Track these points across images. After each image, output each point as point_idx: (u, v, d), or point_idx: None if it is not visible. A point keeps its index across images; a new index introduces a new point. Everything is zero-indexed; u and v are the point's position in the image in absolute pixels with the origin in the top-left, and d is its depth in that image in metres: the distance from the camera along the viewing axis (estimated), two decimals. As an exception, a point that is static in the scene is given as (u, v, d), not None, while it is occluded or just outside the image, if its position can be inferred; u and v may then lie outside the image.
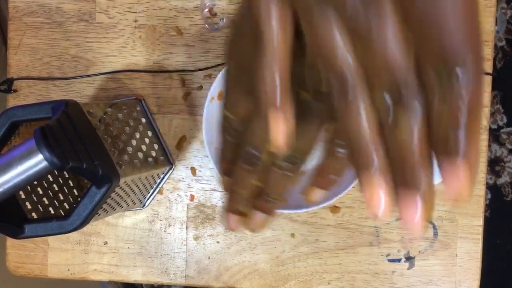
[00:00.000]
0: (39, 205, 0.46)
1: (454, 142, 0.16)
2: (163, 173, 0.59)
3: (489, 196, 1.30)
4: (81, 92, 0.61)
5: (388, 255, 0.58)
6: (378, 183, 0.17)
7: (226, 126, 0.25)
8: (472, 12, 0.14)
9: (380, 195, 0.17)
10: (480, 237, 0.57)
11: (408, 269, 0.58)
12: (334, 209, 0.58)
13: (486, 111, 0.57)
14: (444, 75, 0.15)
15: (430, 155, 0.17)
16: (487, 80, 0.57)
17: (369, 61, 0.16)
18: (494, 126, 1.31)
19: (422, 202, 0.17)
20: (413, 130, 0.16)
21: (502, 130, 1.31)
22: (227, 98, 0.25)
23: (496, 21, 1.25)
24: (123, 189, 0.48)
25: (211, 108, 0.51)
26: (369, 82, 0.16)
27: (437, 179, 0.44)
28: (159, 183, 0.59)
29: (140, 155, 0.51)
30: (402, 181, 0.17)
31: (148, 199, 0.60)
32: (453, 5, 0.14)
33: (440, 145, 0.16)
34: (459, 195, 0.17)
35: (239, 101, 0.24)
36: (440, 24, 0.14)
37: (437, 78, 0.15)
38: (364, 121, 0.17)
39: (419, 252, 0.58)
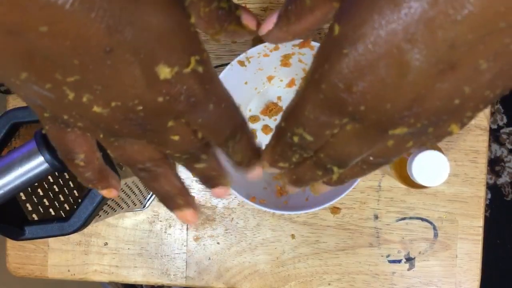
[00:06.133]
0: (39, 207, 0.46)
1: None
2: (163, 174, 0.58)
3: (489, 196, 1.30)
4: (81, 93, 0.61)
5: (388, 256, 0.58)
6: (184, 214, 0.26)
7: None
8: (229, 110, 0.22)
9: (190, 219, 0.26)
10: (480, 238, 0.57)
11: (408, 270, 0.58)
12: (335, 210, 0.58)
13: (486, 111, 0.57)
14: (227, 141, 0.23)
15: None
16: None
17: (166, 152, 0.23)
18: (494, 126, 1.31)
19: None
20: (206, 167, 0.24)
21: (502, 130, 1.30)
22: None
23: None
24: (123, 190, 0.48)
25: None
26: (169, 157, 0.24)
27: (436, 180, 0.44)
28: (160, 184, 0.59)
29: (141, 156, 0.51)
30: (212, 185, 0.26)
31: (148, 200, 0.60)
32: (214, 112, 0.21)
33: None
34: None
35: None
36: (213, 122, 0.21)
37: (224, 144, 0.23)
38: (166, 186, 0.25)
39: (419, 253, 0.58)
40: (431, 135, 0.19)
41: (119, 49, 0.17)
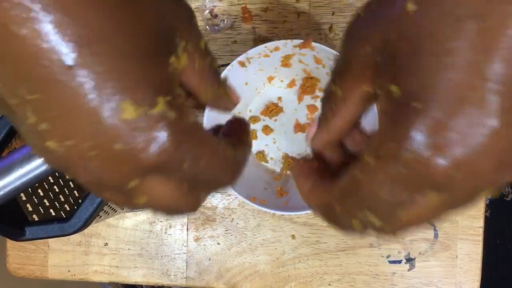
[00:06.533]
0: (40, 207, 0.46)
1: None
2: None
3: (489, 196, 1.30)
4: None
5: (388, 256, 0.58)
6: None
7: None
8: (222, 164, 0.19)
9: None
10: (480, 238, 0.57)
11: (409, 270, 0.58)
12: (335, 210, 0.58)
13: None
14: None
15: None
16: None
17: None
18: (494, 127, 1.31)
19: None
20: None
21: (502, 131, 1.31)
22: None
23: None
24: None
25: (211, 111, 0.50)
26: None
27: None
28: (160, 184, 0.59)
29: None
30: None
31: (148, 200, 0.60)
32: (207, 166, 0.18)
33: None
34: None
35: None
36: (211, 177, 0.19)
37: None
38: None
39: (420, 253, 0.58)
40: None
41: (81, 66, 0.15)
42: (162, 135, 0.16)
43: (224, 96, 0.24)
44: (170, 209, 0.19)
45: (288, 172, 0.58)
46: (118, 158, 0.16)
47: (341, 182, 0.19)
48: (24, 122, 0.16)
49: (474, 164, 0.15)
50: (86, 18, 0.15)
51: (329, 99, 0.22)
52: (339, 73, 0.21)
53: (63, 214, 0.49)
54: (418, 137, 0.15)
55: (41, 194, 0.47)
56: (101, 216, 0.45)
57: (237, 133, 0.23)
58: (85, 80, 0.15)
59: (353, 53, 0.19)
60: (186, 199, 0.19)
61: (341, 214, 0.19)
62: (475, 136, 0.15)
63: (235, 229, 0.60)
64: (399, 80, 0.16)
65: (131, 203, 0.18)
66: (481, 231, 0.57)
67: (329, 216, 0.21)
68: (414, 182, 0.16)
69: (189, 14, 0.20)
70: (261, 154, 0.58)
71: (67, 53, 0.14)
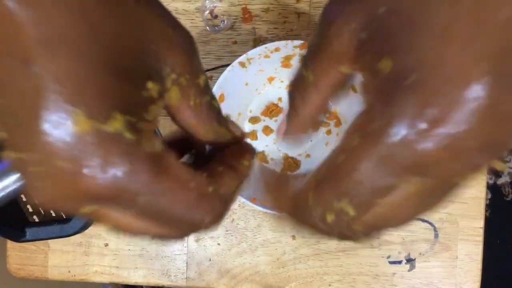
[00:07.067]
0: (40, 208, 0.46)
1: None
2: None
3: (489, 196, 1.30)
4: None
5: (388, 257, 0.58)
6: None
7: None
8: (194, 203, 0.17)
9: None
10: (480, 239, 0.57)
11: (409, 271, 0.58)
12: (335, 211, 0.58)
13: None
14: None
15: None
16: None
17: None
18: (494, 126, 1.31)
19: None
20: None
21: (502, 130, 1.31)
22: None
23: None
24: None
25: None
26: None
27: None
28: (160, 185, 0.59)
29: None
30: None
31: (149, 201, 0.60)
32: (172, 204, 0.16)
33: None
34: None
35: None
36: (180, 217, 0.17)
37: None
38: None
39: (420, 254, 0.58)
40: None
41: (40, 69, 0.13)
42: (114, 161, 0.14)
43: (226, 135, 0.22)
44: (151, 237, 0.18)
45: (288, 172, 0.58)
46: (64, 179, 0.14)
47: (318, 169, 0.18)
48: None
49: (463, 143, 0.14)
50: (54, 17, 0.13)
51: (298, 86, 0.20)
52: (314, 55, 0.19)
53: (64, 215, 0.49)
54: (410, 113, 0.14)
55: (42, 195, 0.47)
56: (101, 217, 0.45)
57: (234, 157, 0.21)
58: (40, 82, 0.13)
59: (335, 31, 0.18)
60: (159, 231, 0.17)
61: (314, 206, 0.18)
62: (466, 115, 0.14)
63: (235, 229, 0.60)
64: (392, 56, 0.15)
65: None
66: (481, 231, 0.57)
67: (299, 211, 0.19)
68: (400, 163, 0.15)
69: (189, 46, 0.18)
70: (262, 155, 0.58)
71: (27, 51, 0.13)
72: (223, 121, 0.21)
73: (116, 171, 0.14)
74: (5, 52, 0.13)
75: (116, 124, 0.14)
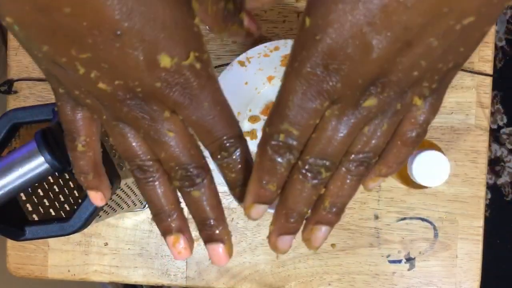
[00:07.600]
0: (39, 207, 0.46)
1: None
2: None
3: (489, 196, 1.30)
4: (82, 93, 0.61)
5: (388, 256, 0.58)
6: (177, 240, 0.27)
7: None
8: (225, 116, 0.23)
9: (181, 250, 0.27)
10: (480, 238, 0.57)
11: (409, 270, 0.58)
12: (335, 210, 0.58)
13: (486, 111, 0.57)
14: (220, 150, 0.23)
15: (221, 214, 0.26)
16: (487, 81, 0.57)
17: (161, 156, 0.23)
18: (494, 126, 1.31)
19: (223, 247, 0.26)
20: (200, 197, 0.25)
21: (502, 130, 1.31)
22: None
23: (496, 21, 1.25)
24: (123, 190, 0.48)
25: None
26: (165, 168, 0.24)
27: (436, 180, 0.44)
28: (160, 184, 0.59)
29: (141, 156, 0.51)
30: (206, 237, 0.26)
31: (148, 200, 0.60)
32: (209, 112, 0.22)
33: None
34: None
35: None
36: (207, 122, 0.22)
37: (218, 153, 0.24)
38: (161, 196, 0.25)
39: (420, 253, 0.58)
40: (400, 113, 0.22)
41: (128, 34, 0.19)
42: (190, 80, 0.21)
43: (240, 31, 0.28)
44: (184, 162, 0.23)
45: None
46: (157, 92, 0.21)
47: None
48: (75, 74, 0.20)
49: (350, 75, 0.20)
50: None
51: None
52: None
53: (63, 214, 0.49)
54: (314, 58, 0.20)
55: (41, 194, 0.47)
56: (100, 216, 0.45)
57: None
58: (131, 43, 0.19)
59: None
60: (196, 154, 0.24)
61: (269, 135, 0.22)
62: (353, 59, 0.19)
63: (235, 229, 0.60)
64: (310, 13, 0.20)
65: (162, 136, 0.22)
66: (481, 230, 0.57)
67: (264, 146, 0.23)
68: (312, 91, 0.21)
69: None
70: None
71: (117, 25, 0.18)
72: (237, 21, 0.26)
73: (191, 87, 0.22)
74: (92, 27, 0.18)
75: (190, 59, 0.21)
